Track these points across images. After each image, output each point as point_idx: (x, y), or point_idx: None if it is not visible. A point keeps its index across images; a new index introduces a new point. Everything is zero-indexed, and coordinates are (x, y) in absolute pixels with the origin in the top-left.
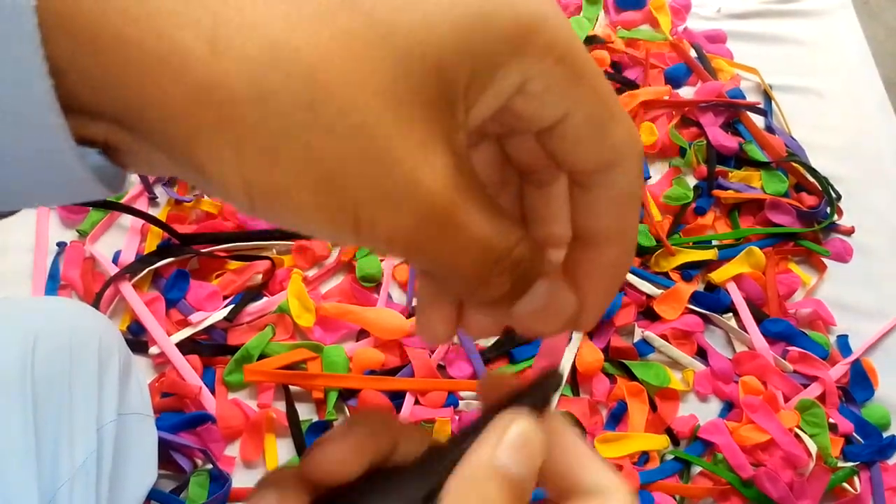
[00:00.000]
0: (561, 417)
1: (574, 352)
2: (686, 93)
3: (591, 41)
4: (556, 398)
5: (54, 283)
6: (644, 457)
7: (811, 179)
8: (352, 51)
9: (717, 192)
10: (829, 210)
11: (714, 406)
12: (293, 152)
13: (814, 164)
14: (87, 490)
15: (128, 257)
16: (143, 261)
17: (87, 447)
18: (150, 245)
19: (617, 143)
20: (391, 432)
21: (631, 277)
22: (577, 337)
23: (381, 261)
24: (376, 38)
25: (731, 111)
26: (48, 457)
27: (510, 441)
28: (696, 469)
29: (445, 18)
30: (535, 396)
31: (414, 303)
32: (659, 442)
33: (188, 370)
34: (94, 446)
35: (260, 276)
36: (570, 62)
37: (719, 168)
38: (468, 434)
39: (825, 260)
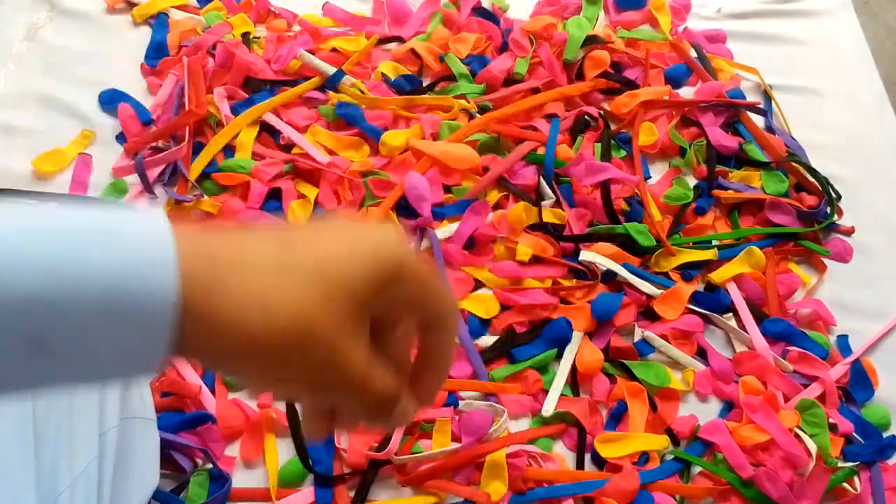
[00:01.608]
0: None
1: (574, 352)
2: (686, 93)
3: (591, 41)
4: None
5: None
6: (644, 457)
7: (811, 179)
8: (325, 304)
9: (717, 192)
10: (829, 210)
11: (714, 406)
12: (294, 370)
13: (814, 164)
14: (89, 496)
15: None
16: None
17: (88, 453)
18: None
19: (442, 311)
20: None
21: (631, 277)
22: (577, 337)
23: None
24: (334, 292)
25: (731, 111)
26: (48, 463)
27: None
28: (696, 469)
29: (360, 272)
30: None
31: None
32: (659, 442)
33: (188, 370)
34: (95, 452)
35: None
36: (418, 281)
37: (719, 168)
38: None
39: (825, 260)
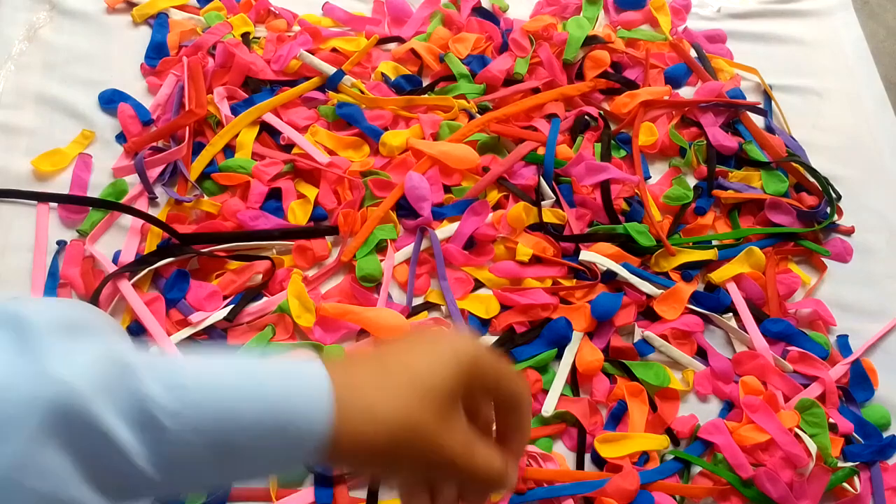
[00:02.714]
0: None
1: (574, 352)
2: (686, 93)
3: (591, 41)
4: None
5: (53, 282)
6: (644, 457)
7: (811, 179)
8: (424, 404)
9: (717, 192)
10: (829, 210)
11: (714, 406)
12: (407, 464)
13: (814, 164)
14: None
15: (128, 257)
16: (142, 261)
17: None
18: (150, 245)
19: (518, 398)
20: None
21: (631, 277)
22: (577, 336)
23: (381, 261)
24: (429, 392)
25: (731, 111)
26: None
27: None
28: (696, 469)
29: (447, 374)
30: None
31: (414, 302)
32: (659, 442)
33: None
34: None
35: (260, 276)
36: (496, 376)
37: (719, 168)
38: None
39: (825, 260)
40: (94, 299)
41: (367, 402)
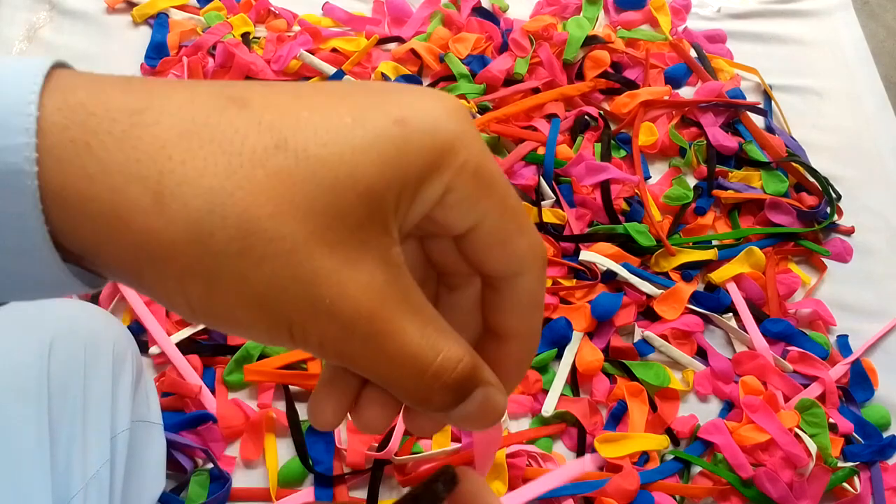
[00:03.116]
0: (476, 480)
1: (574, 352)
2: (686, 93)
3: (591, 41)
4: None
5: None
6: (644, 457)
7: (811, 179)
8: (282, 187)
9: (717, 192)
10: (829, 210)
11: (714, 406)
12: (229, 282)
13: (814, 164)
14: (101, 498)
15: None
16: None
17: (100, 455)
18: None
19: (520, 254)
20: None
21: (631, 277)
22: (577, 337)
23: None
24: (306, 173)
25: (731, 111)
26: (62, 465)
27: None
28: (696, 469)
29: (371, 150)
30: (425, 499)
31: None
32: (659, 442)
33: (188, 370)
34: (107, 455)
35: None
36: (483, 176)
37: (719, 168)
38: None
39: (825, 260)
40: (94, 299)
41: (156, 154)
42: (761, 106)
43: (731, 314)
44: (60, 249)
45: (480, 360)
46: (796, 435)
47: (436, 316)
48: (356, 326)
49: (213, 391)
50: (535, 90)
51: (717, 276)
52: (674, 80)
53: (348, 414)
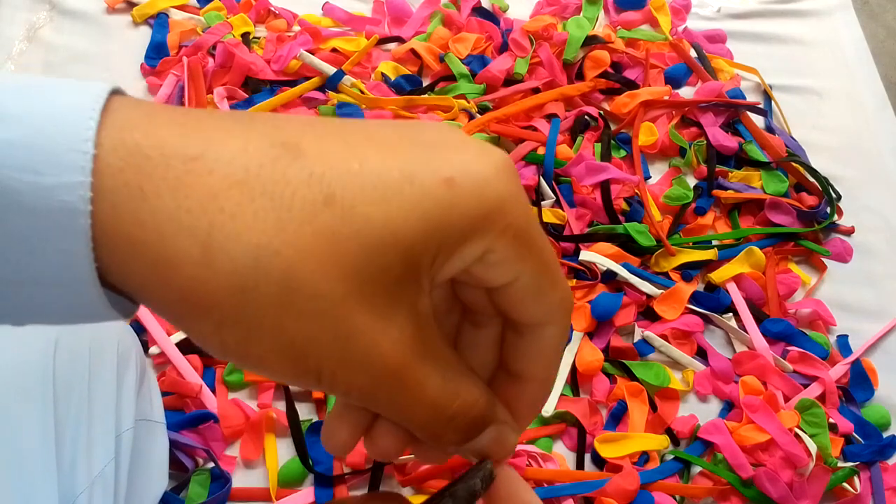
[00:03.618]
0: (513, 475)
1: (574, 352)
2: (686, 93)
3: (591, 41)
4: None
5: None
6: (644, 457)
7: (811, 179)
8: (327, 245)
9: (717, 192)
10: (829, 210)
11: (714, 406)
12: (267, 332)
13: (814, 164)
14: (106, 498)
15: None
16: None
17: (105, 454)
18: None
19: (553, 306)
20: None
21: (631, 277)
22: (577, 336)
23: None
24: (351, 231)
25: (731, 111)
26: (67, 463)
27: None
28: (696, 469)
29: (417, 209)
30: (461, 495)
31: None
32: (659, 442)
33: (188, 370)
34: (112, 453)
35: None
36: (525, 238)
37: (719, 168)
38: None
39: (825, 260)
40: None
41: (207, 206)
42: (761, 106)
43: (731, 314)
44: (103, 285)
45: (494, 398)
46: (796, 435)
47: (455, 360)
48: (384, 379)
49: (213, 391)
50: (535, 90)
51: (717, 276)
52: (674, 80)
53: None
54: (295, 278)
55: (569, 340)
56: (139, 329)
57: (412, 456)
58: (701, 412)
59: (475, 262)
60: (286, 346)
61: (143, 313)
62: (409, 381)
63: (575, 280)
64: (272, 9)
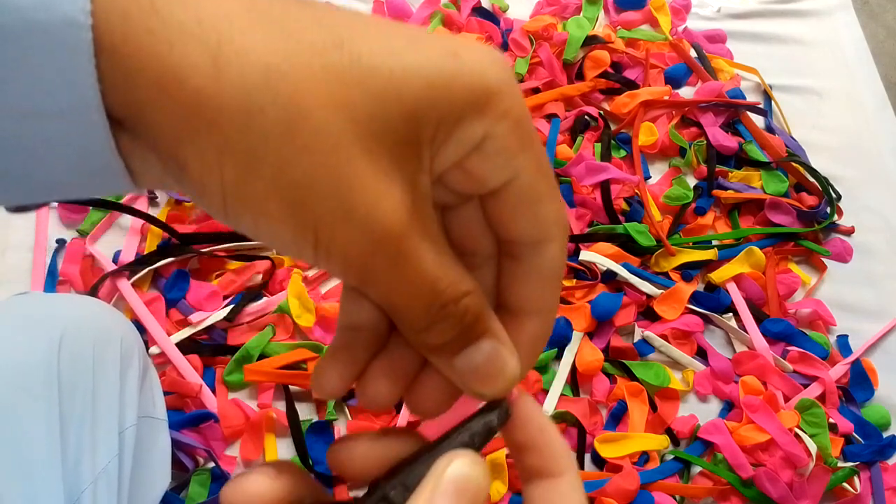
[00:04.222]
0: (529, 399)
1: (574, 352)
2: (686, 93)
3: (591, 41)
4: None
5: (53, 280)
6: (644, 457)
7: (811, 179)
8: (335, 83)
9: (717, 192)
10: (829, 210)
11: (714, 406)
12: (268, 166)
13: (814, 164)
14: (110, 493)
15: (128, 257)
16: (142, 261)
17: (109, 450)
18: (150, 245)
19: (550, 218)
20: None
21: (631, 277)
22: (577, 336)
23: None
24: (358, 77)
25: (731, 111)
26: (72, 459)
27: (446, 488)
28: (696, 469)
29: (422, 71)
30: (477, 430)
31: None
32: (659, 442)
33: (188, 370)
34: (115, 450)
35: (260, 276)
36: (523, 128)
37: (719, 168)
38: (406, 466)
39: (825, 260)
40: (93, 293)
41: (221, 25)
42: (761, 106)
43: (731, 314)
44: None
45: (491, 311)
46: (796, 435)
47: (452, 252)
48: (384, 243)
49: (213, 391)
50: (535, 90)
51: (717, 276)
52: (674, 80)
53: (354, 389)
54: (302, 106)
55: (569, 340)
56: (139, 329)
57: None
58: (701, 412)
59: (474, 153)
60: (286, 187)
61: (143, 313)
62: (409, 251)
63: (575, 280)
64: None
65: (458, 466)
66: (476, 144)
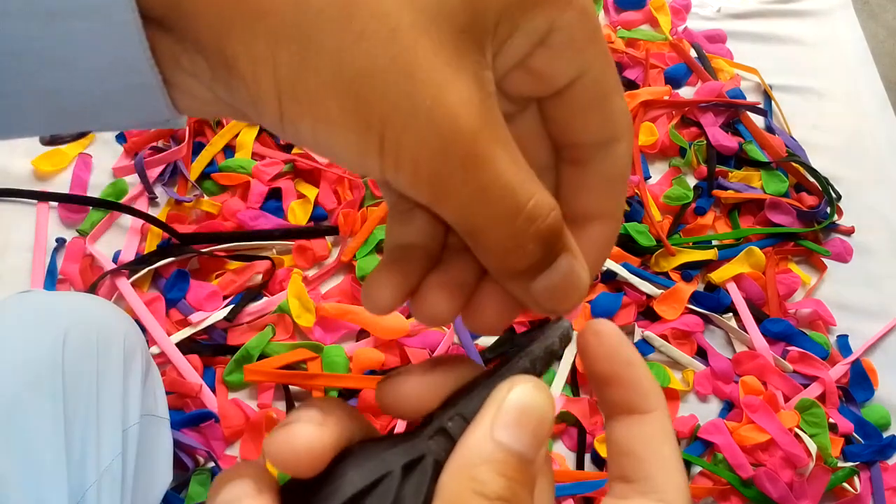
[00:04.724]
0: (614, 328)
1: (574, 352)
2: (686, 93)
3: None
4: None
5: (52, 279)
6: None
7: (811, 179)
8: None
9: (717, 192)
10: (829, 210)
11: (714, 406)
12: (324, 54)
13: (814, 164)
14: (113, 490)
15: (127, 257)
16: (142, 261)
17: (113, 448)
18: (150, 245)
19: (619, 114)
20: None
21: (631, 277)
22: (577, 336)
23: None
24: None
25: (731, 111)
26: (77, 457)
27: (508, 415)
28: (696, 469)
29: None
30: (538, 354)
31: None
32: None
33: (188, 370)
34: (119, 448)
35: (260, 276)
36: (590, 18)
37: (719, 168)
38: (463, 396)
39: (825, 260)
40: (93, 292)
41: None
42: (761, 106)
43: (731, 314)
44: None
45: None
46: (796, 435)
47: (522, 156)
48: (455, 143)
49: (213, 391)
50: None
51: (717, 276)
52: (674, 80)
53: (408, 303)
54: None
55: (569, 340)
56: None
57: None
58: (701, 412)
59: (540, 48)
60: (345, 81)
61: (143, 313)
62: (484, 155)
63: None
64: None
65: (520, 392)
66: (541, 37)
